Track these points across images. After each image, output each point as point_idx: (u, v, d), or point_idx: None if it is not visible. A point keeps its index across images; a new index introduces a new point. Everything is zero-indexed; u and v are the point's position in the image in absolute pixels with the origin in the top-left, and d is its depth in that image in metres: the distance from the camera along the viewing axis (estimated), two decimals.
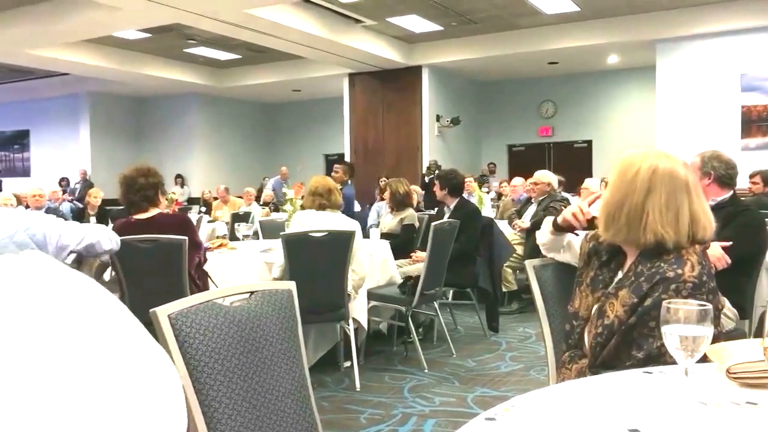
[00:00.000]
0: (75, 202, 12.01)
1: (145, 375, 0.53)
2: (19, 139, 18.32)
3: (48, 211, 7.27)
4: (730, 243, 2.87)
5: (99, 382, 0.49)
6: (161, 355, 0.56)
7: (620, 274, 1.71)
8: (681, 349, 1.14)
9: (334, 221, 4.13)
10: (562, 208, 5.99)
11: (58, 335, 0.49)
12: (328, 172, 16.34)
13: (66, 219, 6.54)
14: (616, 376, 1.40)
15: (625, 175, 1.66)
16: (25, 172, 17.84)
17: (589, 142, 14.91)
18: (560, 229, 2.05)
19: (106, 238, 3.04)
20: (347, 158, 14.37)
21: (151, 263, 3.45)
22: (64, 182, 15.40)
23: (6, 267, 0.53)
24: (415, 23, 11.59)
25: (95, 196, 7.77)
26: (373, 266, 4.59)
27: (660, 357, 1.50)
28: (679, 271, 1.56)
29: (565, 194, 6.79)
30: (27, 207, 7.18)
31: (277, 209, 10.74)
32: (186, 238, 3.42)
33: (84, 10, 9.56)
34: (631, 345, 1.57)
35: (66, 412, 0.46)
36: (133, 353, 0.53)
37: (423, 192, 9.61)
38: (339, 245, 3.87)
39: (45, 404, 0.46)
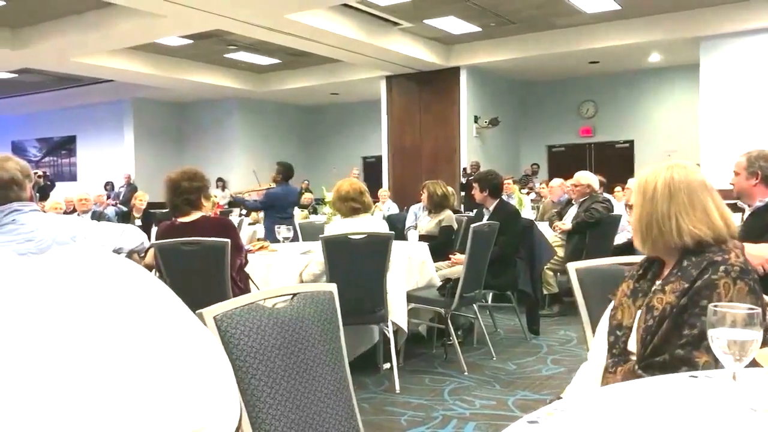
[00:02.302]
0: (119, 205, 12.27)
1: (203, 360, 0.54)
2: (67, 145, 18.83)
3: (94, 214, 7.45)
4: None
5: (161, 366, 0.50)
6: (215, 343, 0.58)
7: (658, 283, 1.71)
8: (729, 354, 1.12)
9: (371, 224, 4.15)
10: (603, 209, 5.94)
11: (122, 321, 0.51)
12: (366, 174, 16.43)
13: (111, 222, 6.71)
14: (662, 380, 1.38)
15: (645, 193, 1.73)
16: (72, 177, 18.32)
17: (631, 142, 14.68)
18: None
19: (138, 236, 3.13)
20: (384, 160, 14.42)
21: (194, 265, 3.51)
22: (109, 186, 15.75)
23: (70, 257, 0.55)
24: (453, 24, 11.56)
25: (140, 199, 7.94)
26: (411, 268, 4.59)
27: None
28: (726, 257, 1.59)
29: (607, 195, 6.70)
30: (74, 211, 7.38)
31: (315, 211, 10.83)
32: (228, 240, 3.47)
33: (128, 18, 9.80)
34: (683, 326, 1.57)
35: (128, 396, 0.48)
36: (192, 340, 0.55)
37: (462, 194, 9.58)
38: (377, 247, 3.88)
39: (111, 385, 0.47)
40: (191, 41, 12.01)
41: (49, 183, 15.53)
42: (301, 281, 4.04)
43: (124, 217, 7.94)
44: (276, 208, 7.22)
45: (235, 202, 7.85)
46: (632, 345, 1.69)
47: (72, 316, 0.49)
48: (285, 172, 7.42)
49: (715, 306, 1.15)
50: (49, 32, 10.88)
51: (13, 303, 0.48)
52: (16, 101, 17.66)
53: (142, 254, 3.29)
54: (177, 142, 17.75)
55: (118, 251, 2.97)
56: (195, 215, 3.65)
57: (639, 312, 1.70)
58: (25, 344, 0.47)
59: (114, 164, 17.12)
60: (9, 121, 19.32)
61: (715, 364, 1.38)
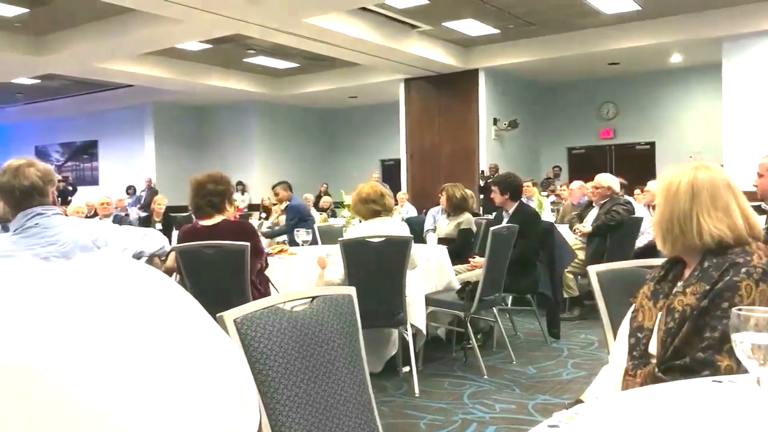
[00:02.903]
0: (139, 210, 12.39)
1: (224, 367, 0.55)
2: (88, 150, 19.06)
3: (115, 218, 7.52)
4: None
5: (182, 371, 0.51)
6: (236, 349, 0.58)
7: (679, 284, 1.69)
8: (753, 358, 1.10)
9: (392, 227, 4.15)
10: (624, 211, 5.89)
11: (142, 327, 0.51)
12: (385, 177, 16.44)
13: (133, 225, 6.77)
14: (684, 384, 1.36)
15: (668, 192, 1.71)
16: (94, 181, 18.54)
17: (652, 144, 14.54)
18: None
19: (159, 240, 3.15)
20: (402, 163, 14.42)
21: (214, 268, 3.53)
22: (130, 190, 15.92)
23: (92, 265, 0.56)
24: (472, 27, 11.54)
25: (159, 203, 8.01)
26: (430, 271, 4.58)
27: None
28: (748, 258, 1.57)
29: (628, 197, 6.64)
30: (96, 215, 7.46)
31: (334, 215, 10.85)
32: (248, 244, 3.49)
33: (148, 23, 9.90)
34: (704, 328, 1.55)
35: (151, 403, 0.48)
36: (211, 346, 0.55)
37: (481, 196, 9.55)
38: (396, 250, 3.88)
39: (133, 390, 0.48)
40: (210, 46, 12.10)
41: (70, 188, 15.77)
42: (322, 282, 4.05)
43: (146, 221, 8.01)
44: (302, 218, 7.53)
45: (274, 235, 7.97)
46: (653, 347, 1.67)
47: (96, 324, 0.50)
48: (288, 187, 7.90)
49: (739, 309, 1.13)
50: (71, 38, 11.03)
51: (37, 310, 0.49)
52: (39, 106, 17.94)
53: (163, 257, 3.32)
54: (197, 145, 17.90)
55: (139, 255, 2.99)
56: (216, 219, 3.68)
57: (660, 314, 1.68)
58: (51, 351, 0.47)
59: (135, 168, 17.31)
60: (32, 126, 19.61)
61: (737, 367, 1.36)
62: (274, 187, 7.95)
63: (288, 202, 7.73)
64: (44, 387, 0.45)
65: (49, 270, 0.52)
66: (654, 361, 1.64)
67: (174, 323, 0.54)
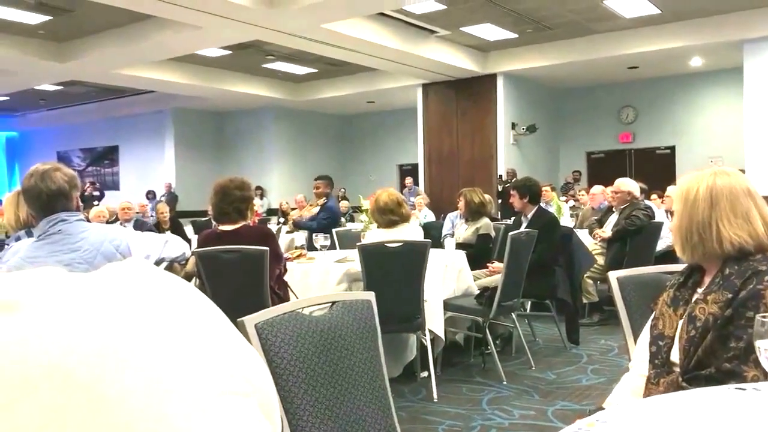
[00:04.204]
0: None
1: (246, 376, 0.55)
2: (109, 155, 19.28)
3: (136, 223, 7.59)
4: None
5: (205, 383, 0.52)
6: (258, 359, 0.59)
7: (700, 291, 1.67)
8: None
9: (408, 234, 4.15)
10: (645, 216, 5.84)
11: (167, 337, 0.52)
12: (402, 181, 16.46)
13: (153, 231, 6.84)
14: (707, 392, 1.35)
15: (687, 199, 1.69)
16: (115, 186, 18.74)
17: (672, 148, 14.41)
18: None
19: (180, 246, 3.18)
20: (420, 167, 14.41)
21: (233, 273, 3.55)
22: (150, 195, 16.07)
23: (118, 274, 0.57)
24: (490, 31, 11.52)
25: (162, 212, 8.08)
26: (448, 276, 4.57)
27: None
28: None
29: (648, 202, 6.58)
30: (117, 220, 7.54)
31: (352, 219, 10.87)
32: (267, 249, 3.51)
33: (168, 30, 10.01)
34: (728, 339, 1.53)
35: (175, 415, 0.49)
36: (235, 357, 0.56)
37: (499, 201, 9.51)
38: (414, 255, 3.88)
39: (164, 400, 0.49)
40: (230, 52, 12.20)
41: (97, 193, 15.97)
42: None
43: (159, 228, 8.08)
44: (335, 220, 7.13)
45: (297, 227, 7.63)
46: (675, 355, 1.65)
47: (123, 335, 0.51)
48: (331, 183, 7.35)
49: (763, 316, 1.12)
50: (93, 45, 11.18)
51: (66, 322, 0.49)
52: (61, 112, 18.19)
53: (183, 262, 3.35)
54: (216, 150, 18.04)
55: (160, 261, 3.02)
56: (237, 224, 3.70)
57: (680, 321, 1.67)
58: (82, 364, 0.48)
59: (155, 173, 17.47)
60: (55, 132, 19.87)
61: (765, 377, 1.35)
62: (316, 179, 7.42)
63: (326, 200, 7.29)
64: (79, 398, 0.46)
65: (77, 280, 0.53)
66: (677, 369, 1.63)
67: (198, 335, 0.55)
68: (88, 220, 3.10)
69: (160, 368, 0.49)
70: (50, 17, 10.05)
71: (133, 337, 0.50)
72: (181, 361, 0.51)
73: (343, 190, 15.59)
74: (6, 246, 3.09)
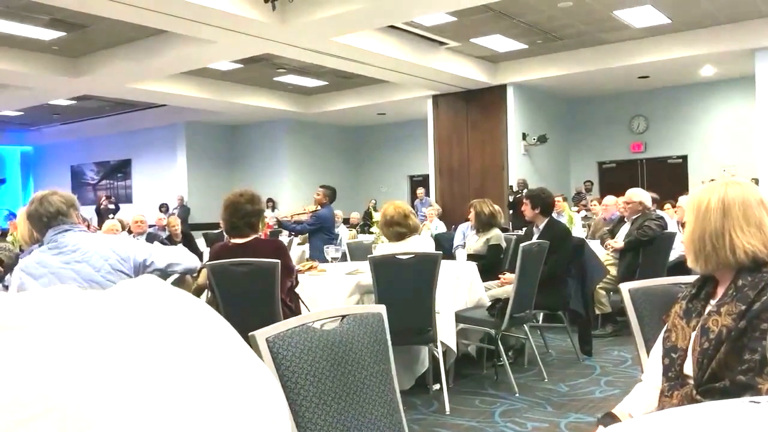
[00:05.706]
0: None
1: (255, 392, 0.56)
2: (122, 168, 19.42)
3: (149, 236, 7.63)
4: None
5: (215, 398, 0.52)
6: (269, 375, 0.59)
7: (713, 302, 1.66)
8: None
9: (418, 246, 4.15)
10: (657, 227, 5.80)
11: (179, 352, 0.53)
12: (413, 192, 16.46)
13: (165, 243, 6.87)
14: (721, 404, 1.34)
15: (698, 210, 1.69)
16: (128, 199, 18.86)
17: (684, 157, 14.34)
18: None
19: (188, 258, 3.20)
20: (431, 179, 14.42)
21: (245, 286, 3.56)
22: (163, 208, 16.15)
23: (131, 290, 0.58)
24: (500, 43, 11.55)
25: (174, 225, 8.13)
26: (460, 288, 4.56)
27: None
28: None
29: (660, 212, 6.54)
30: (130, 233, 7.58)
31: (363, 231, 10.88)
32: (278, 261, 3.52)
33: (181, 44, 10.11)
34: (743, 351, 1.52)
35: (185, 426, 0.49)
36: (246, 373, 0.56)
37: (510, 212, 9.49)
38: (425, 267, 3.88)
39: (168, 417, 0.49)
40: (241, 65, 12.29)
41: (112, 206, 16.12)
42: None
43: (171, 241, 8.11)
44: (324, 229, 7.34)
45: (280, 226, 7.99)
46: (688, 368, 1.64)
47: (134, 355, 0.52)
48: (332, 195, 7.61)
49: None
50: (106, 60, 11.29)
51: (79, 341, 0.50)
52: (75, 126, 18.35)
53: (194, 275, 3.37)
54: (228, 163, 18.14)
55: (170, 273, 3.05)
56: (248, 237, 3.72)
57: (693, 333, 1.66)
58: (95, 382, 0.49)
59: (167, 186, 17.58)
60: (68, 146, 20.05)
61: None
62: (320, 187, 7.67)
63: (320, 208, 7.56)
64: (86, 420, 0.47)
65: (90, 300, 0.54)
66: (690, 382, 1.61)
67: (211, 354, 0.55)
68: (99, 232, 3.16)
69: (167, 390, 0.50)
70: (64, 33, 10.17)
71: (139, 360, 0.50)
72: (189, 381, 0.51)
73: (374, 201, 15.63)
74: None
